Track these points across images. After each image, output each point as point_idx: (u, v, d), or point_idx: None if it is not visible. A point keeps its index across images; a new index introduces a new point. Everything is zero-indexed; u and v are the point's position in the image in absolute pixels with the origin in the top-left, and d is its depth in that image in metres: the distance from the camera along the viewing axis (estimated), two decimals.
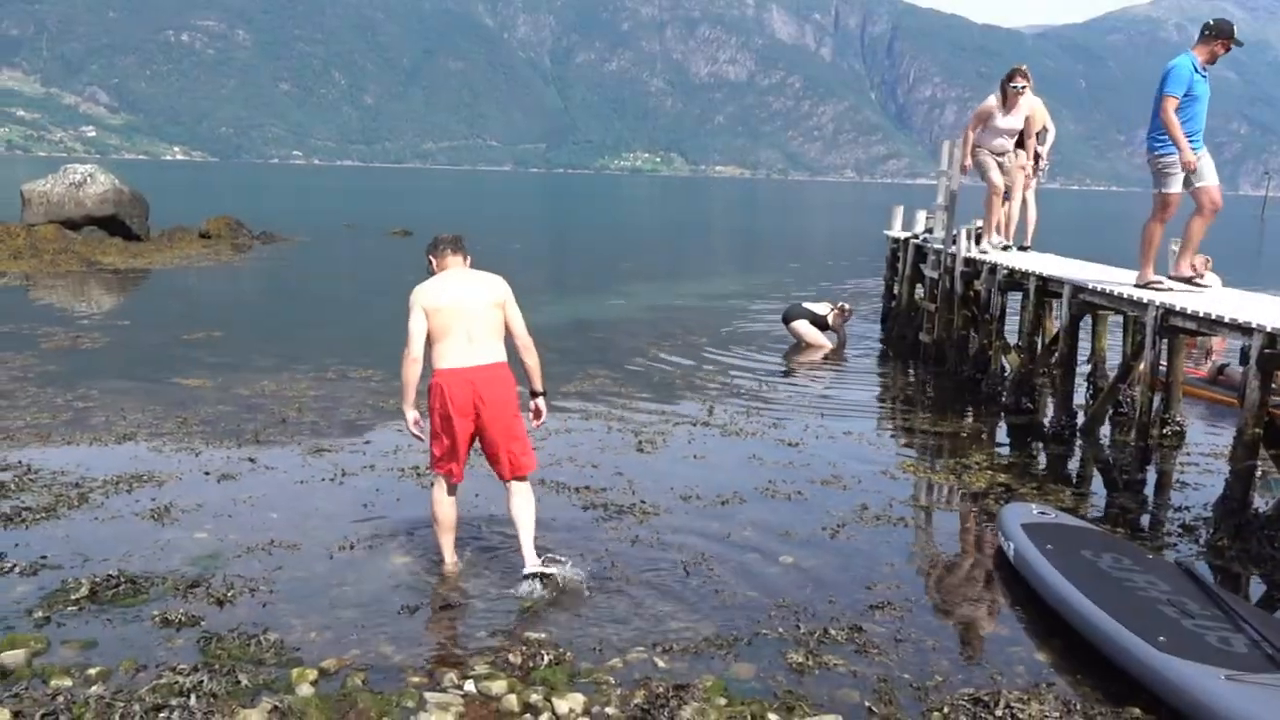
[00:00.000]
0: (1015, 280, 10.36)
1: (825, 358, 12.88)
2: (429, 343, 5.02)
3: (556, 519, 6.24)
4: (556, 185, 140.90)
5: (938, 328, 12.41)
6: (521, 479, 5.26)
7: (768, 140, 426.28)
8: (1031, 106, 11.48)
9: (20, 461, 6.96)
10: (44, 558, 5.32)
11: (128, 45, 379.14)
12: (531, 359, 5.27)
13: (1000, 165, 11.13)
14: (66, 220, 22.08)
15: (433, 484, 5.35)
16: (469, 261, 5.31)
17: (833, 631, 4.73)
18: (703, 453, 7.94)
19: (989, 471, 7.68)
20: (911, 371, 12.34)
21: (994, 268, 10.73)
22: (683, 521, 6.33)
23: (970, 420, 9.80)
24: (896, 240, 15.54)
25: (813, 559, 5.82)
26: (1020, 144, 11.69)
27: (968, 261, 11.62)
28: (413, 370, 5.04)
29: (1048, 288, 9.76)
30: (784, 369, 12.15)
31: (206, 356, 11.17)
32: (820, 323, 13.47)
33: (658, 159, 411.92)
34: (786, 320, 13.56)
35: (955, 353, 11.87)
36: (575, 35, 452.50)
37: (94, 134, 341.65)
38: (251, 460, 7.25)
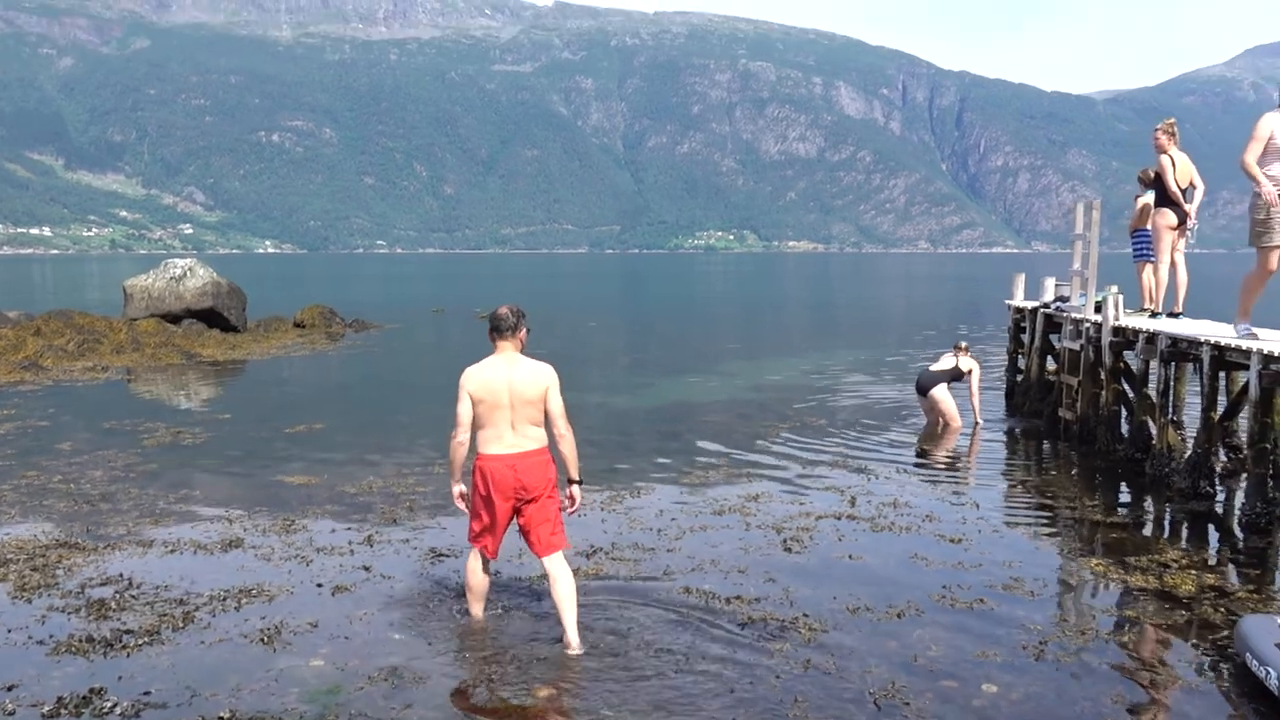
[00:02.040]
0: (1181, 350, 9.37)
1: (948, 435, 11.92)
2: (475, 426, 5.33)
3: (712, 638, 5.45)
4: (633, 265, 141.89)
5: (1082, 403, 11.40)
6: (554, 555, 5.43)
7: (840, 214, 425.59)
8: (1180, 161, 10.63)
9: (121, 574, 6.44)
10: (147, 694, 4.71)
11: (222, 146, 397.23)
12: (568, 448, 5.40)
13: None
14: (167, 314, 22.33)
15: (468, 554, 5.63)
16: (522, 339, 5.44)
17: None
18: (857, 552, 7.09)
19: (1192, 571, 6.68)
20: (1056, 453, 11.29)
21: (1153, 337, 9.77)
22: (857, 640, 5.49)
23: (1144, 509, 8.78)
24: (1020, 310, 14.62)
25: (1021, 686, 4.93)
26: (1166, 202, 10.82)
27: (1117, 330, 10.67)
28: (459, 452, 5.41)
29: (1225, 358, 8.75)
30: (916, 451, 11.22)
31: (309, 451, 10.71)
32: (957, 375, 12.45)
33: (731, 237, 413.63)
34: (924, 391, 12.46)
35: (1106, 431, 10.85)
36: (646, 120, 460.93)
37: (191, 231, 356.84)
38: (366, 569, 6.62)
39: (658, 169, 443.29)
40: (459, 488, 5.51)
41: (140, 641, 5.33)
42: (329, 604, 5.98)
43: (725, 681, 4.92)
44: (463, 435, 5.33)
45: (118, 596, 6.01)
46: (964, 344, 12.85)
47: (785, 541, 7.31)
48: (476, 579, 5.61)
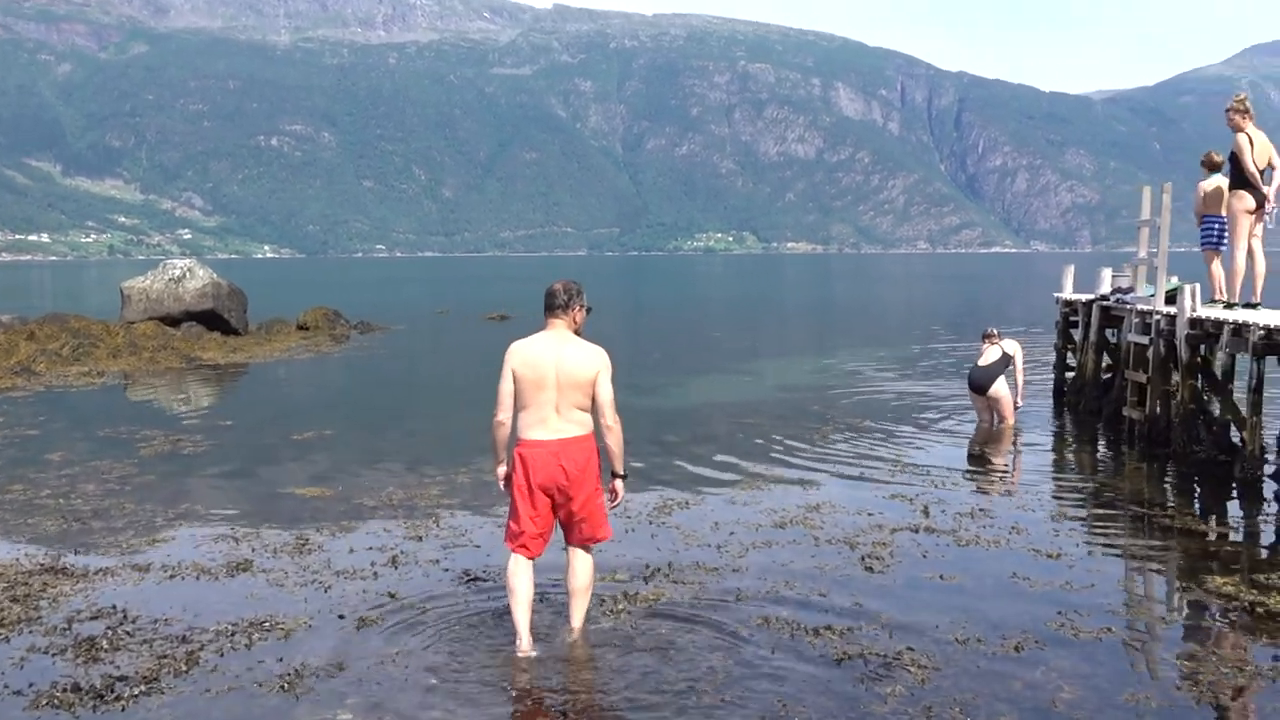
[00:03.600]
0: (1277, 343, 8.56)
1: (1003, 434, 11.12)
2: (516, 407, 4.93)
3: (804, 679, 4.63)
4: (634, 266, 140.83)
5: (1151, 402, 10.58)
6: (587, 548, 5.11)
7: (839, 215, 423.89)
8: (1259, 140, 9.84)
9: (114, 606, 5.61)
10: None
11: (221, 151, 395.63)
12: (614, 441, 5.00)
13: None
14: (165, 316, 21.47)
15: (508, 559, 5.05)
16: (576, 318, 5.00)
17: None
18: (948, 571, 6.26)
19: None
20: (1124, 455, 10.46)
21: (1240, 329, 8.95)
22: (976, 680, 4.66)
23: (1250, 518, 7.96)
24: (1070, 303, 13.81)
25: None
26: (1243, 184, 10.01)
27: (1194, 323, 9.85)
28: (500, 432, 5.01)
29: None
30: (976, 453, 10.42)
31: (320, 459, 9.88)
32: (1007, 362, 11.56)
33: (730, 238, 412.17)
34: (981, 389, 11.47)
35: (1182, 431, 10.03)
36: (645, 122, 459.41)
37: (189, 236, 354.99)
38: (392, 596, 5.80)
39: (656, 171, 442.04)
40: (503, 468, 5.09)
41: (136, 691, 4.50)
42: (353, 640, 5.15)
43: None
44: (503, 415, 4.94)
45: (110, 633, 5.19)
46: (993, 330, 11.96)
47: (864, 559, 6.49)
48: (520, 582, 4.96)
